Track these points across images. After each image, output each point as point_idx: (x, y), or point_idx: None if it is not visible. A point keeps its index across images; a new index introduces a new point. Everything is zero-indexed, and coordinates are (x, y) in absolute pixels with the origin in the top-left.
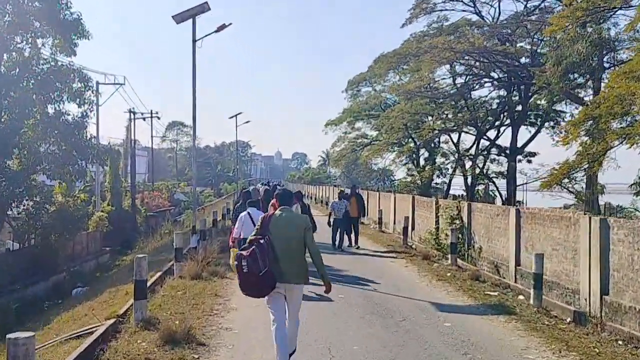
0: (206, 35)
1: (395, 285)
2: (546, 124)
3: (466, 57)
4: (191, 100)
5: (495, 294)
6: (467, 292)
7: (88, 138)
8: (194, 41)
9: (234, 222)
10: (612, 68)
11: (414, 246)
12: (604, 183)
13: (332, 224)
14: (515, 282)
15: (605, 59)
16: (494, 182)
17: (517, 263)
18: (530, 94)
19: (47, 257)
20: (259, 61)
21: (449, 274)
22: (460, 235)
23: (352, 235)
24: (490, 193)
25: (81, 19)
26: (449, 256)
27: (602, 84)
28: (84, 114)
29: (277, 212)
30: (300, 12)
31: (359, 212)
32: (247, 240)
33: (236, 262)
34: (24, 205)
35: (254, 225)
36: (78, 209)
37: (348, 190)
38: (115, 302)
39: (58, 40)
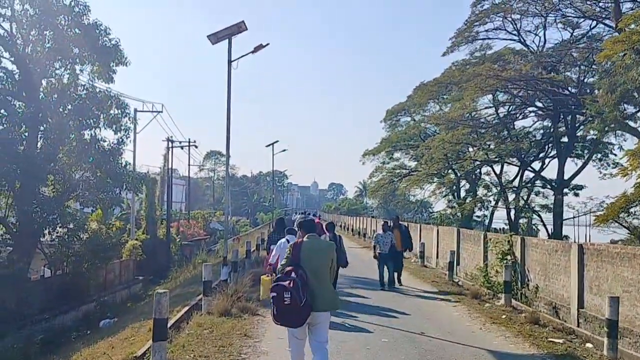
0: (242, 56)
1: (445, 329)
2: (594, 157)
3: (510, 86)
4: (226, 125)
5: (560, 341)
6: (528, 338)
7: (123, 165)
8: (230, 62)
9: (268, 250)
10: None
11: (460, 283)
12: None
13: (378, 259)
14: (578, 326)
15: None
16: (539, 216)
17: (580, 305)
18: (577, 124)
19: (78, 286)
20: (297, 89)
21: (504, 317)
22: (512, 273)
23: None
24: (534, 227)
25: (120, 45)
26: (502, 295)
27: None
28: (120, 140)
29: (305, 239)
30: (339, 37)
31: (403, 246)
32: (284, 271)
33: (274, 294)
34: (57, 232)
35: None
36: (111, 237)
37: (391, 223)
38: (137, 339)
39: (96, 66)
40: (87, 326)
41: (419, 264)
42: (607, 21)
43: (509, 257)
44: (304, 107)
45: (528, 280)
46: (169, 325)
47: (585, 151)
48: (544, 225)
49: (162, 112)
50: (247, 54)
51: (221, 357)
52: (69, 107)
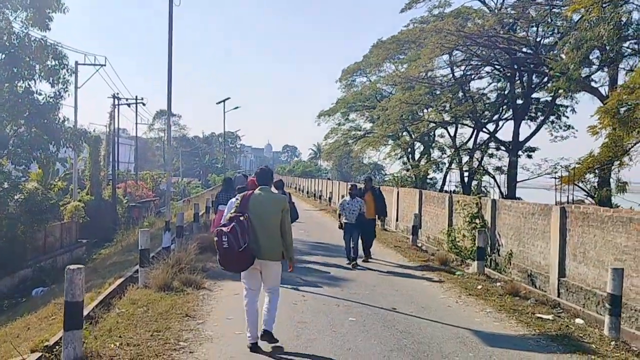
0: None
1: (418, 303)
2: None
3: (470, 43)
4: (173, 78)
5: (549, 317)
6: (512, 314)
7: (61, 120)
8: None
9: (216, 210)
10: (636, 55)
11: (424, 247)
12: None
13: (343, 230)
14: (559, 296)
15: (626, 45)
16: (493, 178)
17: (561, 274)
18: (533, 85)
19: (14, 250)
20: (249, 47)
21: (479, 287)
22: (477, 235)
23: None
24: (484, 189)
25: None
26: (474, 263)
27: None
28: (57, 93)
29: (257, 191)
30: None
31: (377, 213)
32: (228, 217)
33: (216, 238)
34: None
35: None
36: (49, 198)
37: (361, 185)
38: (59, 318)
39: (30, 12)
40: (23, 293)
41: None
42: None
43: (477, 221)
44: (259, 67)
45: (499, 245)
46: (96, 302)
47: (539, 113)
48: (498, 187)
49: (105, 65)
50: None
51: (154, 346)
52: (2, 56)
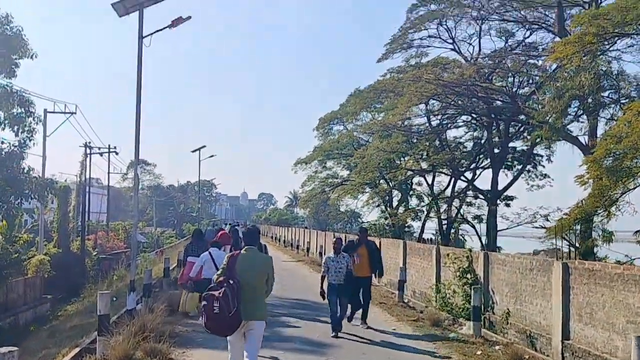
0: (157, 31)
1: None
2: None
3: (448, 92)
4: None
5: None
6: None
7: (25, 170)
8: (141, 37)
9: (184, 262)
10: (615, 104)
11: (410, 303)
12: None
13: (327, 292)
14: None
15: (606, 94)
16: (473, 227)
17: (565, 336)
18: (510, 134)
19: None
20: (224, 96)
21: (478, 352)
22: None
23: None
24: (461, 237)
25: (23, 34)
26: (468, 323)
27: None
28: (22, 142)
29: (243, 252)
30: (271, 41)
31: (371, 270)
32: (216, 281)
33: (205, 302)
34: None
35: (215, 265)
36: (9, 253)
37: (352, 237)
38: None
39: None
40: None
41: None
42: (540, 32)
43: (469, 276)
44: (235, 114)
45: (493, 303)
46: None
47: (515, 162)
48: (478, 236)
49: (75, 113)
50: (163, 28)
51: None
52: None
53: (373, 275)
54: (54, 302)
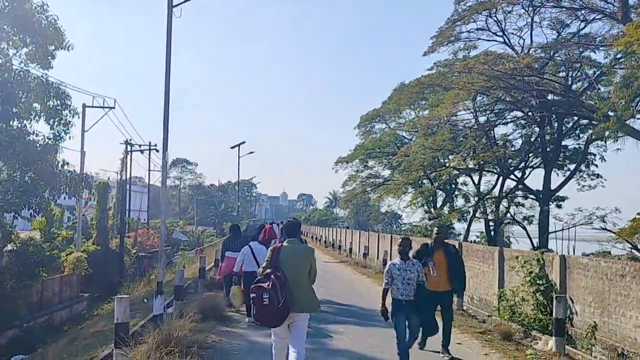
0: (186, 0)
1: None
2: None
3: (496, 88)
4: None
5: None
6: None
7: (60, 164)
8: (171, 7)
9: (222, 257)
10: None
11: (470, 311)
12: None
13: (392, 312)
14: None
15: None
16: (524, 228)
17: None
18: (564, 131)
19: (3, 307)
20: (265, 94)
21: None
22: (545, 302)
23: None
24: (506, 240)
25: (58, 24)
26: (545, 338)
27: None
28: (57, 135)
29: (285, 244)
30: (311, 38)
31: (451, 281)
32: (262, 273)
33: (254, 294)
34: None
35: (255, 259)
36: (42, 249)
37: (429, 241)
38: None
39: (31, 49)
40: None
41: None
42: (595, 23)
43: (541, 282)
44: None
45: (572, 314)
46: None
47: (567, 161)
48: (529, 238)
49: (114, 107)
50: None
51: None
52: None
53: (452, 287)
54: (90, 301)
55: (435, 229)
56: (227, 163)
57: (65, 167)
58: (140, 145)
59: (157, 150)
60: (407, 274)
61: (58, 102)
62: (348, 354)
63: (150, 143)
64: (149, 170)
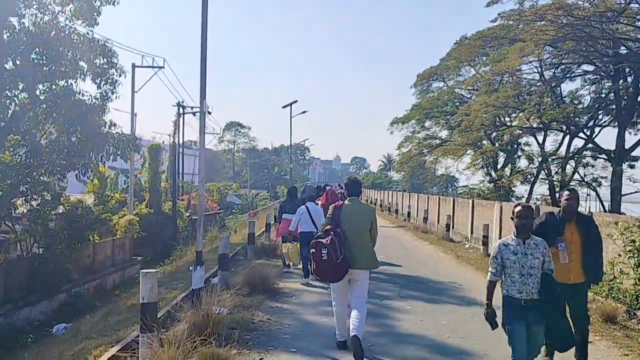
0: None
1: None
2: None
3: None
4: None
5: None
6: None
7: (107, 125)
8: None
9: (280, 219)
10: None
11: None
12: None
13: (504, 315)
14: None
15: None
16: (595, 190)
17: None
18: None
19: (54, 270)
20: (320, 57)
21: None
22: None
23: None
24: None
25: None
26: None
27: None
28: (104, 94)
29: (347, 202)
30: (367, 2)
31: (585, 268)
32: (323, 229)
33: (313, 250)
34: (30, 206)
35: (311, 219)
36: (91, 212)
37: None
38: None
39: (76, 4)
40: (62, 320)
41: (481, 252)
42: None
43: None
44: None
45: None
46: None
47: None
48: (600, 201)
49: (163, 67)
50: None
51: None
52: (41, 49)
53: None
54: (143, 264)
55: (566, 192)
56: (280, 127)
57: (113, 128)
58: (192, 108)
59: (210, 113)
60: (529, 259)
61: (104, 60)
62: (420, 340)
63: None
64: (201, 133)
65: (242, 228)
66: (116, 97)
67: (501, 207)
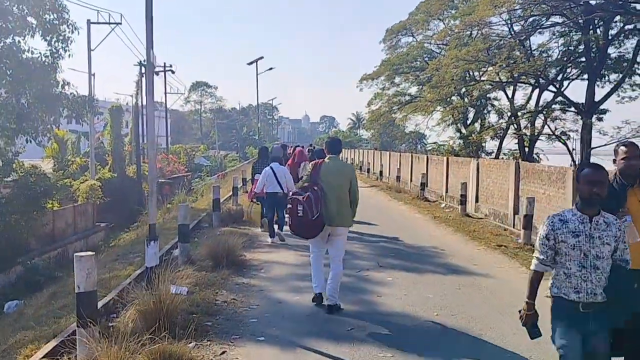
0: None
1: None
2: (612, 78)
3: None
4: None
5: None
6: None
7: (60, 85)
8: None
9: (252, 179)
10: None
11: None
12: None
13: (554, 324)
14: None
15: None
16: (565, 144)
17: None
18: (610, 37)
19: (8, 241)
20: (284, 11)
21: None
22: None
23: None
24: (535, 156)
25: None
26: None
27: None
28: (54, 52)
29: (327, 160)
30: None
31: None
32: (301, 186)
33: (289, 206)
34: None
35: (277, 179)
36: (46, 178)
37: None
38: None
39: None
40: (20, 294)
41: (459, 212)
42: None
43: None
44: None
45: None
46: None
47: (607, 71)
48: (571, 154)
49: (121, 23)
50: None
51: None
52: None
53: None
54: (108, 230)
55: (623, 147)
56: (248, 86)
57: (67, 88)
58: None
59: (173, 72)
60: (596, 245)
61: (54, 15)
62: (405, 319)
63: (165, 64)
64: (166, 93)
65: (209, 192)
66: (69, 55)
67: (478, 165)
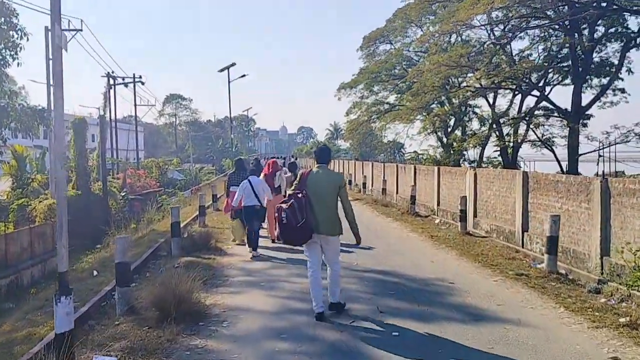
0: None
1: None
2: (595, 84)
3: None
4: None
5: None
6: None
7: (6, 96)
8: None
9: (227, 192)
10: None
11: (570, 275)
12: None
13: None
14: None
15: None
16: (552, 150)
17: None
18: (594, 41)
19: None
20: (261, 20)
21: None
22: None
23: None
24: (517, 164)
25: None
26: None
27: None
28: (1, 60)
29: (315, 169)
30: None
31: None
32: (287, 194)
33: (276, 214)
34: None
35: (254, 192)
36: None
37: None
38: None
39: None
40: None
41: (459, 229)
42: None
43: None
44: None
45: None
46: None
47: (589, 76)
48: (557, 161)
49: (82, 30)
50: None
51: None
52: None
53: None
54: (70, 253)
55: None
56: (223, 98)
57: (15, 98)
58: (123, 78)
59: (143, 83)
60: None
61: (2, 20)
62: None
63: (134, 75)
64: (135, 105)
65: (182, 206)
66: (18, 63)
67: (475, 175)
